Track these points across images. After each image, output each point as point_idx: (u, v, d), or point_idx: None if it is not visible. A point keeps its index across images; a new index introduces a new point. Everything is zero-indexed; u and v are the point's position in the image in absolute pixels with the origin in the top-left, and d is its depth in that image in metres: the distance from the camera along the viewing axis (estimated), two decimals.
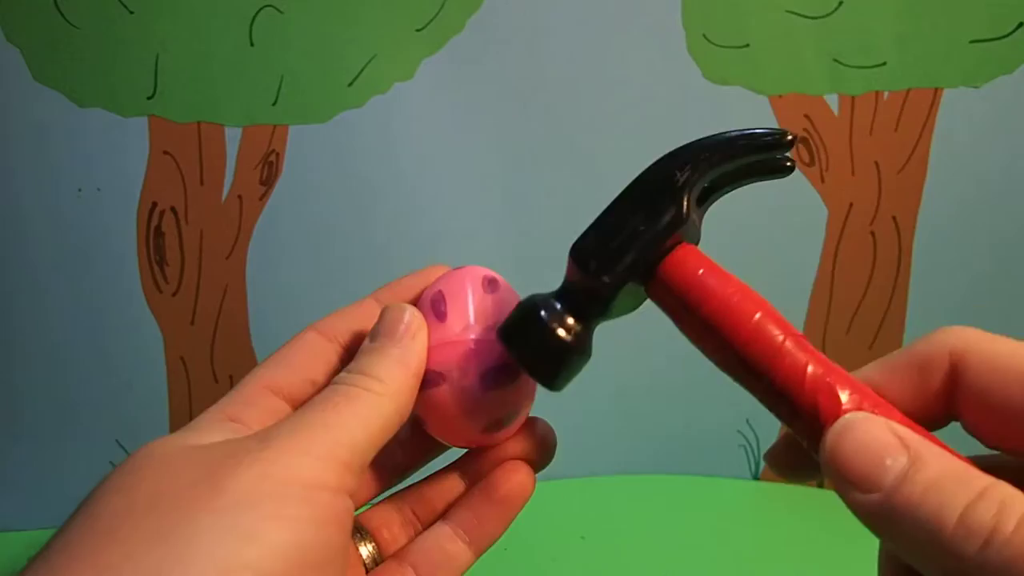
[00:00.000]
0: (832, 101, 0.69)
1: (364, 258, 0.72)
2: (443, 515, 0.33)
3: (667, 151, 0.31)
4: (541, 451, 0.34)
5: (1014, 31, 0.64)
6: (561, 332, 0.30)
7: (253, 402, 0.30)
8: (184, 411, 0.75)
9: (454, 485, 0.34)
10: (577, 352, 0.30)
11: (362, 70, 0.67)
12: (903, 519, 0.21)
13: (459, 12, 0.66)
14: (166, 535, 0.22)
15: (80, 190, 0.69)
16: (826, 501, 0.79)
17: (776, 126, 0.66)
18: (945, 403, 0.26)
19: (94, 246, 0.71)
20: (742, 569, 0.69)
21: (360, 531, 0.33)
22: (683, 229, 0.29)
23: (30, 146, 0.67)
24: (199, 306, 0.73)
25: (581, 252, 0.30)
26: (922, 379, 0.26)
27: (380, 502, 0.35)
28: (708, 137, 0.31)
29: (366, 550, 0.32)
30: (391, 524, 0.34)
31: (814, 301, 0.75)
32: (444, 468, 0.35)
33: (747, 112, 0.68)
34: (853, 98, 0.68)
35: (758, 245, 0.71)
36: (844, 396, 0.25)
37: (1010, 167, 0.68)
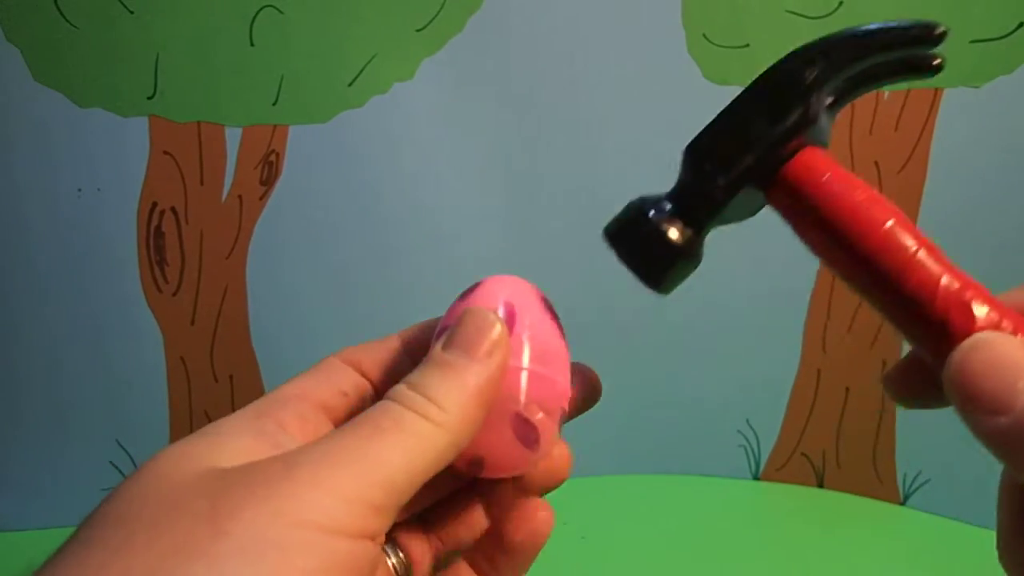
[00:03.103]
0: None
1: (364, 258, 0.72)
2: (464, 554, 0.31)
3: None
4: (555, 474, 0.31)
5: (1014, 31, 0.64)
6: (671, 234, 0.28)
7: (286, 403, 0.27)
8: (184, 411, 0.75)
9: (475, 514, 0.31)
10: (685, 257, 0.28)
11: (362, 70, 0.67)
12: None
13: (459, 12, 0.66)
14: None
15: (80, 190, 0.69)
16: (826, 501, 0.79)
17: None
18: None
19: (94, 246, 0.71)
20: (742, 569, 0.69)
21: (392, 544, 0.30)
22: (809, 131, 0.27)
23: (30, 146, 0.67)
24: (199, 306, 0.73)
25: (696, 151, 0.28)
26: None
27: (408, 524, 0.31)
28: (844, 30, 0.28)
29: (395, 560, 0.30)
30: (421, 546, 0.31)
31: (814, 301, 0.75)
32: (466, 487, 0.32)
33: None
34: None
35: (758, 245, 0.71)
36: (981, 312, 0.23)
37: (1010, 167, 0.68)
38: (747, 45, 0.67)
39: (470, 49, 0.67)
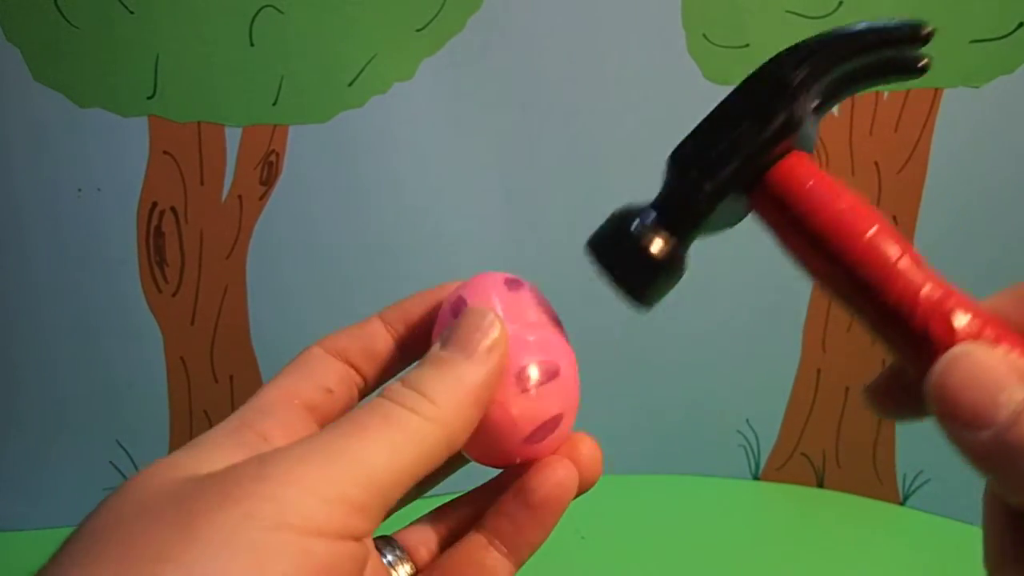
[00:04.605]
0: None
1: (364, 258, 0.72)
2: (477, 523, 0.29)
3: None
4: (585, 470, 0.30)
5: (1014, 31, 0.64)
6: (654, 246, 0.27)
7: (270, 411, 0.26)
8: (184, 411, 0.75)
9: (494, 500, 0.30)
10: (669, 268, 0.27)
11: (362, 70, 0.67)
12: (1017, 459, 0.19)
13: (459, 12, 0.66)
14: None
15: (80, 190, 0.69)
16: (826, 501, 0.79)
17: None
18: None
19: (94, 246, 0.71)
20: (742, 569, 0.69)
21: (397, 551, 0.29)
22: (795, 135, 0.26)
23: (30, 146, 0.67)
24: (199, 306, 0.73)
25: (681, 157, 0.27)
26: None
27: (415, 521, 0.31)
28: (831, 30, 0.27)
29: (404, 571, 0.29)
30: (429, 543, 0.30)
31: (814, 301, 0.75)
32: (485, 484, 0.31)
33: None
34: (853, 98, 0.68)
35: (758, 245, 0.71)
36: (961, 322, 0.23)
37: (1010, 167, 0.68)
38: (747, 45, 0.67)
39: (470, 49, 0.67)
